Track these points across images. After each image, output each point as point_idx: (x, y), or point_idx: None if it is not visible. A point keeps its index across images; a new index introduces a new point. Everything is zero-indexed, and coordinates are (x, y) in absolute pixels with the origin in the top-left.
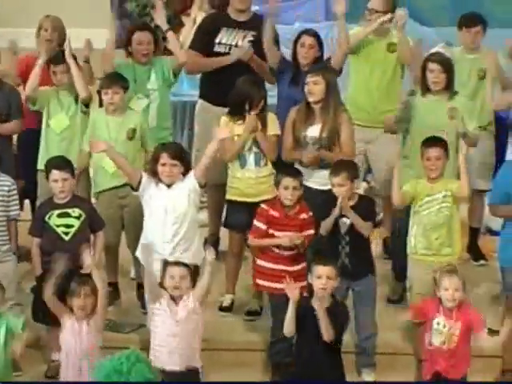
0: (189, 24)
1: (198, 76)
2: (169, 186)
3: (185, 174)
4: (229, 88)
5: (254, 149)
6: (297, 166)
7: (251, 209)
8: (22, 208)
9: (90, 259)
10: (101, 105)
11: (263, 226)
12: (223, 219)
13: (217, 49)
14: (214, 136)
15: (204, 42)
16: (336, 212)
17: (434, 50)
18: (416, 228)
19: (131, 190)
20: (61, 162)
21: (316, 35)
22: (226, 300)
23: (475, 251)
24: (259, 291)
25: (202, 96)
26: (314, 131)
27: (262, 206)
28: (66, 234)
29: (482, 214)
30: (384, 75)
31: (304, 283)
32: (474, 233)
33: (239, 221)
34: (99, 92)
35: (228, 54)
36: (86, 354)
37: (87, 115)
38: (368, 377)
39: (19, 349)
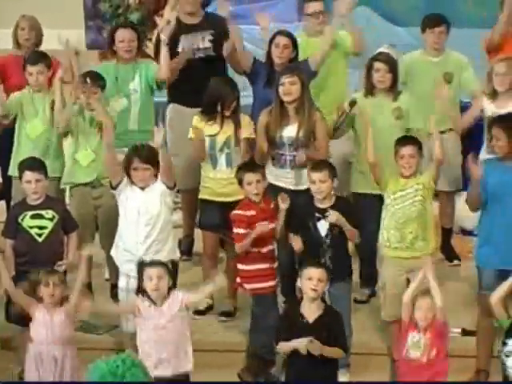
0: (162, 25)
1: None
2: (142, 188)
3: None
4: (200, 88)
5: (226, 150)
6: (270, 166)
7: (224, 209)
8: None
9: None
10: None
11: (245, 231)
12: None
13: None
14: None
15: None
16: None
17: (379, 51)
18: (388, 221)
19: (110, 187)
20: (34, 163)
21: (290, 35)
22: (202, 304)
23: (449, 251)
24: (233, 292)
25: (172, 100)
26: (290, 131)
27: (236, 212)
28: (40, 235)
29: (453, 214)
30: (328, 73)
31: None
32: (446, 233)
33: (212, 221)
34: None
35: (192, 59)
36: (61, 342)
37: None
38: (343, 377)
39: None
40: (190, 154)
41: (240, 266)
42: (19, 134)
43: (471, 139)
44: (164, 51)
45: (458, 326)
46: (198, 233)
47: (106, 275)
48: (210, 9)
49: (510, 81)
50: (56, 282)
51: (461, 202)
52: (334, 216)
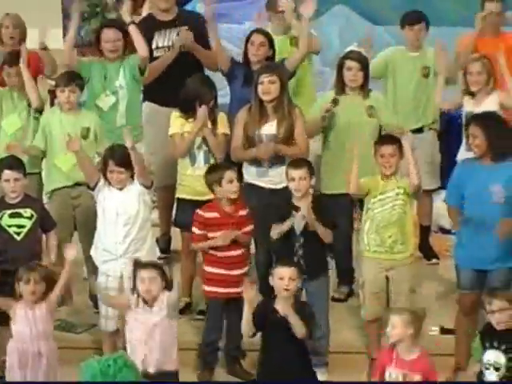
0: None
1: None
2: (120, 188)
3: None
4: (175, 87)
5: (204, 147)
6: (248, 165)
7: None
8: None
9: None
10: (52, 104)
11: (200, 232)
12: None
13: (156, 54)
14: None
15: None
16: (290, 223)
17: (349, 49)
18: (369, 225)
19: (87, 188)
20: (13, 162)
21: (267, 34)
22: (180, 303)
23: (427, 250)
24: None
25: (148, 99)
26: (269, 129)
27: (197, 211)
28: (18, 234)
29: (431, 212)
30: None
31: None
32: (424, 232)
33: (189, 220)
34: (51, 91)
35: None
36: (45, 337)
37: (39, 121)
38: (321, 376)
39: None
40: (167, 151)
41: (204, 267)
42: None
43: (449, 137)
44: (132, 29)
45: (437, 324)
46: (175, 230)
47: (85, 275)
48: (189, 7)
49: (483, 80)
50: (36, 278)
51: (439, 201)
52: (305, 208)
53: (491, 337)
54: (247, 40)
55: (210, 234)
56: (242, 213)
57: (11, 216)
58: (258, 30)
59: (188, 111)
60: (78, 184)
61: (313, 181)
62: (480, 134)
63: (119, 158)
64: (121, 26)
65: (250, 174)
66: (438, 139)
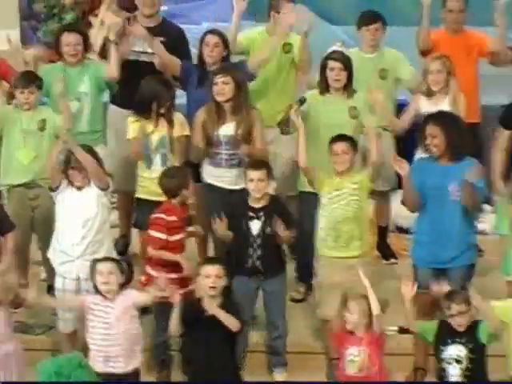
0: (96, 25)
1: None
2: (79, 188)
3: None
4: (136, 90)
5: (161, 149)
6: (207, 166)
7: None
8: None
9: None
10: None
11: (164, 236)
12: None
13: (129, 57)
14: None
15: None
16: None
17: (332, 49)
18: (325, 221)
19: (49, 190)
20: None
21: (221, 34)
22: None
23: (385, 250)
24: None
25: (112, 101)
26: (227, 130)
27: (158, 215)
28: None
29: (388, 212)
30: (279, 75)
31: (190, 288)
32: (382, 231)
33: (148, 220)
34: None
35: (140, 61)
36: (9, 338)
37: None
38: (280, 376)
39: None
40: (126, 154)
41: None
42: None
43: (407, 138)
44: (113, 51)
45: (395, 324)
46: (134, 232)
47: (43, 276)
48: None
49: (443, 79)
50: None
51: (396, 201)
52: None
53: (452, 332)
54: (201, 41)
55: (171, 238)
56: (190, 213)
57: None
58: (212, 31)
59: (144, 113)
60: (35, 183)
61: (273, 184)
62: (439, 133)
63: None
64: (81, 30)
65: (209, 175)
66: (395, 140)
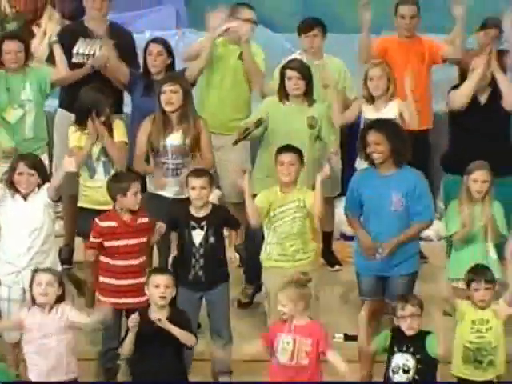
0: (39, 34)
1: None
2: (25, 198)
3: (41, 185)
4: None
5: (103, 158)
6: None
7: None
8: None
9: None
10: None
11: (96, 240)
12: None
13: (74, 59)
14: (63, 166)
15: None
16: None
17: (291, 58)
18: (271, 236)
19: None
20: None
21: (164, 42)
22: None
23: (330, 257)
24: None
25: (61, 105)
26: (173, 139)
27: (95, 219)
28: None
29: (332, 218)
30: (235, 83)
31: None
32: (327, 238)
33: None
34: None
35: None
36: None
37: None
38: None
39: None
40: None
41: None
42: None
43: (350, 145)
44: (57, 51)
45: (341, 331)
46: (79, 241)
47: None
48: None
49: (384, 84)
50: None
51: (341, 207)
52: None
53: (399, 341)
54: (145, 50)
55: (107, 244)
56: (142, 220)
57: None
58: (155, 40)
59: (83, 122)
60: None
61: (218, 194)
62: (383, 140)
63: (31, 160)
64: (22, 38)
65: (154, 184)
66: (340, 147)
